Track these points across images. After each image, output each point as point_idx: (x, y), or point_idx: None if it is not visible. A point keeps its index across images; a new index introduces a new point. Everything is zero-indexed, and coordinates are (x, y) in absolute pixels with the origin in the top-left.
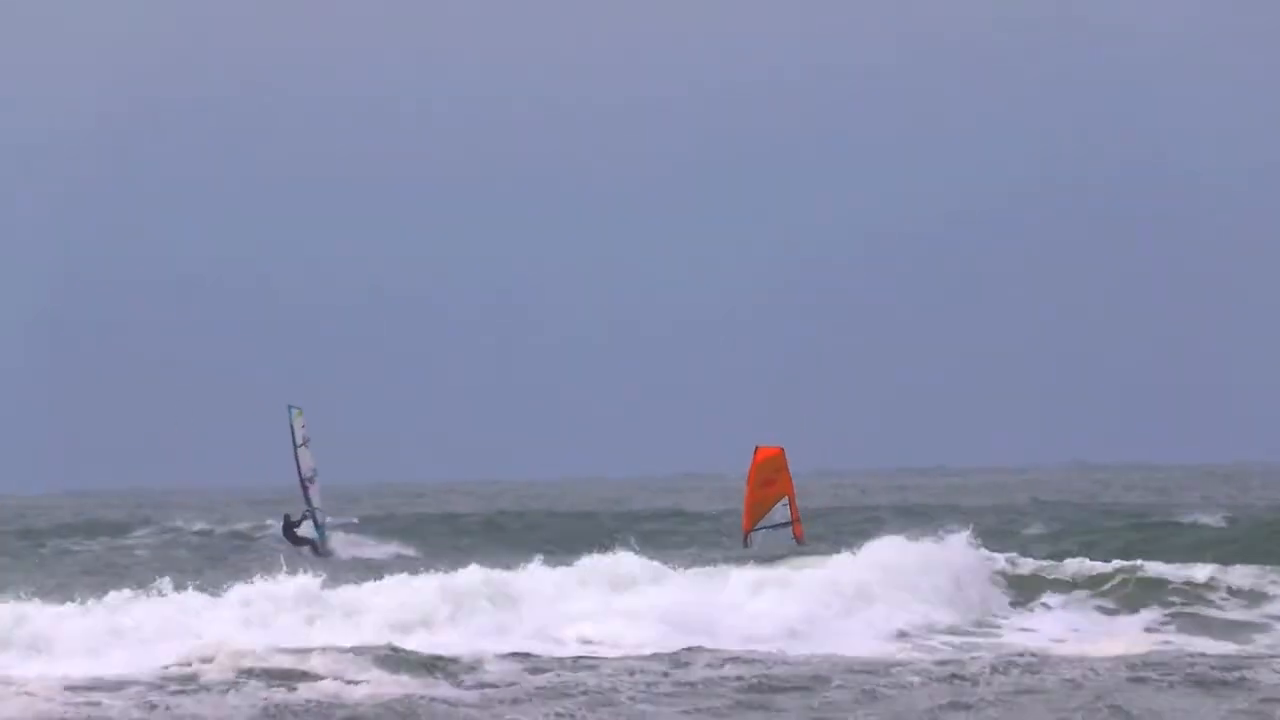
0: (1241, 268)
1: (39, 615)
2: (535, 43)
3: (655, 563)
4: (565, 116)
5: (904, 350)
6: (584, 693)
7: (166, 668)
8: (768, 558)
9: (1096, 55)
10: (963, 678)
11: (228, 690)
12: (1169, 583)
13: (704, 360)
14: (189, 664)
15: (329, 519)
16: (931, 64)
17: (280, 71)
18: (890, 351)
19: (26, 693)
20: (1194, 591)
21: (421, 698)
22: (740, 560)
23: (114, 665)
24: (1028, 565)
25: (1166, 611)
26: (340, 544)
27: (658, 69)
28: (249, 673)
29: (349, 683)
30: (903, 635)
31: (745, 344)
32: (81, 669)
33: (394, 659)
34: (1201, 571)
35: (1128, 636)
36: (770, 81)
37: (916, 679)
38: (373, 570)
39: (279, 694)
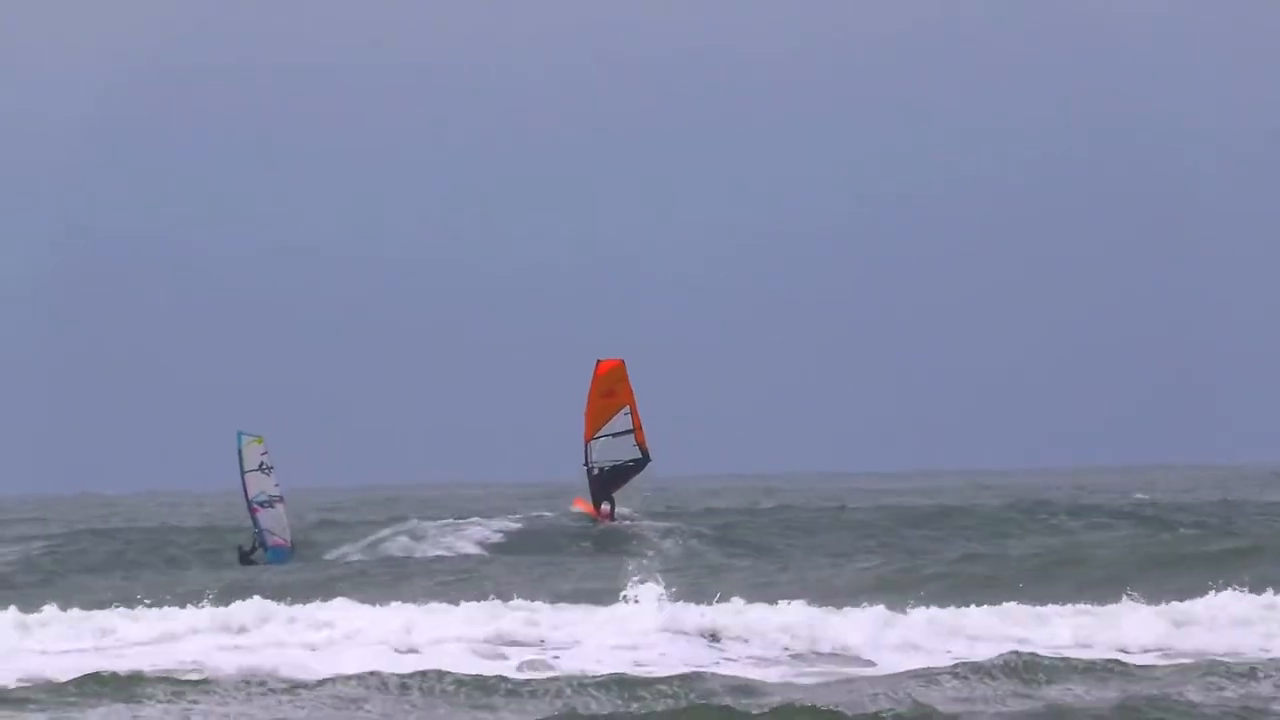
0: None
1: None
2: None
3: None
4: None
5: (902, 349)
6: None
7: None
8: None
9: (1106, 41)
10: None
11: None
12: None
13: (704, 359)
14: None
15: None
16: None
17: (298, 41)
18: (890, 351)
19: None
20: None
21: None
22: None
23: None
24: None
25: None
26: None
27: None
28: None
29: None
30: None
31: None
32: None
33: None
34: None
35: None
36: (753, 53)
37: None
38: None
39: None
